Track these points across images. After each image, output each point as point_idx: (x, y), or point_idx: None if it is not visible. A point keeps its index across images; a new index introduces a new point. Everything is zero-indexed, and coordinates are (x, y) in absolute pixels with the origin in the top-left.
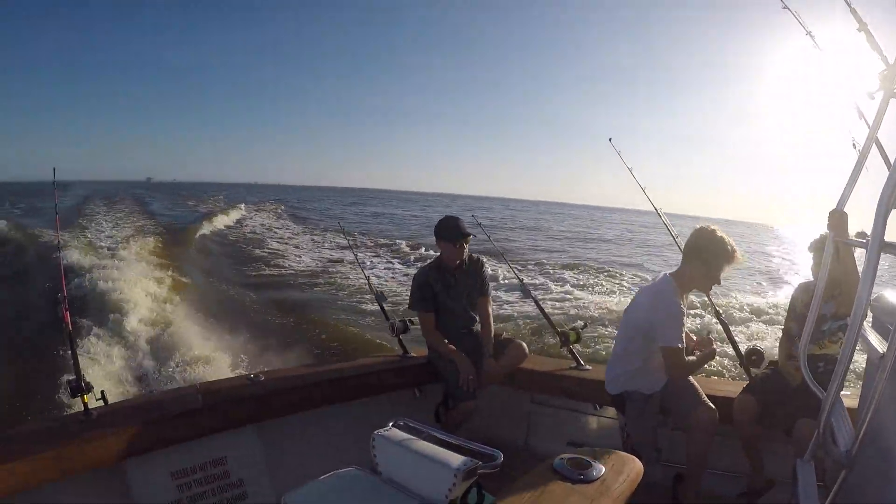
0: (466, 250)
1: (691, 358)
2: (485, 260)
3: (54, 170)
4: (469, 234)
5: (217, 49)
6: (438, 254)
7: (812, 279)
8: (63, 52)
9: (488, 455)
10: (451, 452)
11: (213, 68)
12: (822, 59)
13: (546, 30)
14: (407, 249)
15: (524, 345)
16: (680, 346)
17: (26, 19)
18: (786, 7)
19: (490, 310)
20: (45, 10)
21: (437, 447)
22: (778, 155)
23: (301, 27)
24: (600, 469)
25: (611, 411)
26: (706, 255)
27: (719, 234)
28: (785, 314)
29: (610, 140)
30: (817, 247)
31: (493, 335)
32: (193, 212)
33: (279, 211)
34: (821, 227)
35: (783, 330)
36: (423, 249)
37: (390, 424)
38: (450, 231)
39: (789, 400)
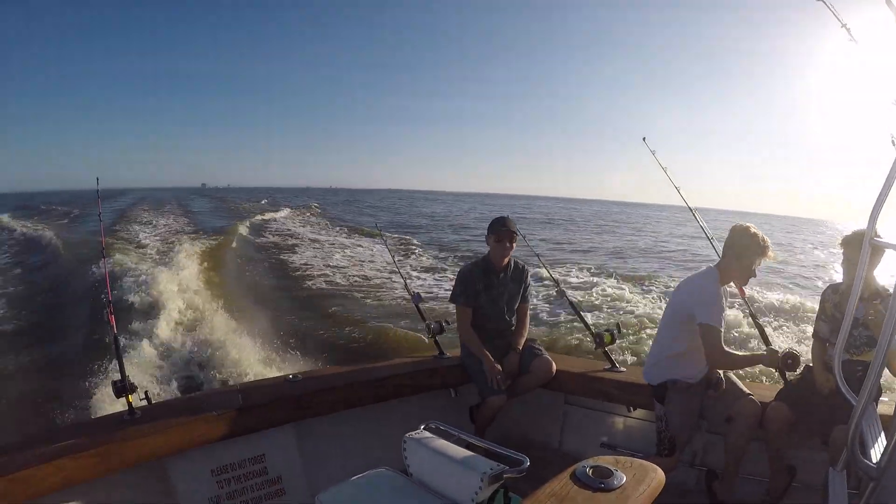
0: (512, 251)
1: (737, 352)
2: (529, 269)
3: (97, 179)
4: (515, 233)
5: (277, 62)
6: (486, 253)
7: (842, 279)
8: (126, 64)
9: (515, 460)
10: (479, 456)
11: (271, 79)
12: (858, 53)
13: (577, 26)
14: (443, 251)
15: (551, 361)
16: (719, 327)
17: (82, 32)
18: None
19: (528, 316)
20: (97, 22)
21: (465, 451)
22: (827, 150)
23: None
24: (621, 478)
25: (644, 413)
26: (740, 249)
27: (752, 230)
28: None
29: (644, 139)
30: (848, 242)
31: (524, 338)
32: (235, 215)
33: (318, 213)
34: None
35: (813, 332)
36: (462, 249)
37: (421, 427)
38: (497, 227)
39: (825, 406)
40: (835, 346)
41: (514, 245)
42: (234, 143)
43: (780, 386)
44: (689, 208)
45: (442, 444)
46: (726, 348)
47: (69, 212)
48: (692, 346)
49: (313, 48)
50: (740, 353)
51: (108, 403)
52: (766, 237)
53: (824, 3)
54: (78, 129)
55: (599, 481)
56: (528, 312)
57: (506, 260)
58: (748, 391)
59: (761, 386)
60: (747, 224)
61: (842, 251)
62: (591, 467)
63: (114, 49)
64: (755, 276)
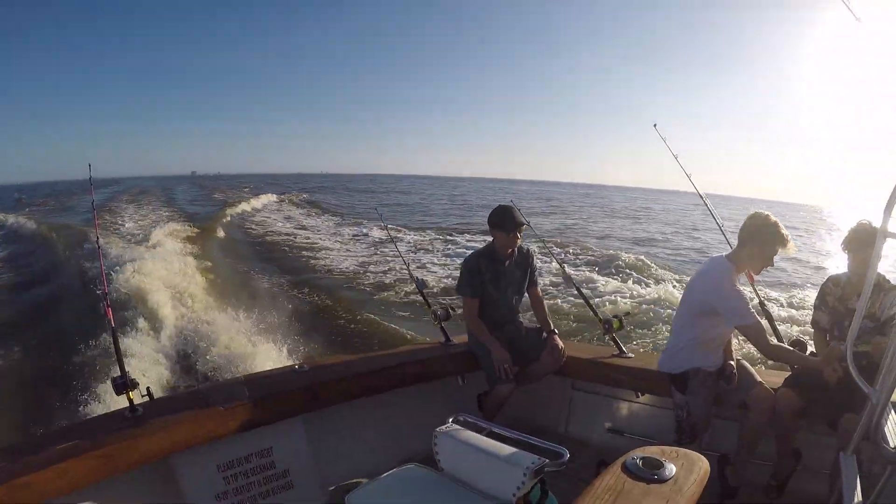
0: (519, 240)
1: (786, 347)
2: (535, 251)
3: (90, 166)
4: (523, 224)
5: (261, 49)
6: (490, 240)
7: (846, 272)
8: (120, 57)
9: (555, 452)
10: (519, 451)
11: (260, 66)
12: (862, 31)
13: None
14: (445, 236)
15: (563, 348)
16: (756, 322)
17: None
18: None
19: (542, 299)
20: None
21: (501, 444)
22: (830, 134)
23: (338, 26)
24: (672, 469)
25: (651, 399)
26: (761, 237)
27: (773, 219)
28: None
29: (655, 126)
30: (854, 240)
31: (549, 321)
32: (220, 203)
33: (306, 199)
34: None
35: (812, 322)
36: (468, 235)
37: (450, 420)
38: (505, 221)
39: (833, 393)
40: (842, 338)
41: (521, 235)
42: (226, 131)
43: (787, 372)
44: (701, 196)
45: (475, 437)
46: (774, 341)
47: (52, 201)
48: (712, 336)
49: (312, 36)
50: (793, 350)
51: (108, 400)
52: (785, 227)
53: None
54: (69, 120)
55: (652, 473)
56: (542, 295)
57: (511, 249)
58: (760, 378)
59: (768, 373)
60: (766, 212)
61: (846, 248)
62: (640, 458)
63: (108, 44)
64: (773, 265)
